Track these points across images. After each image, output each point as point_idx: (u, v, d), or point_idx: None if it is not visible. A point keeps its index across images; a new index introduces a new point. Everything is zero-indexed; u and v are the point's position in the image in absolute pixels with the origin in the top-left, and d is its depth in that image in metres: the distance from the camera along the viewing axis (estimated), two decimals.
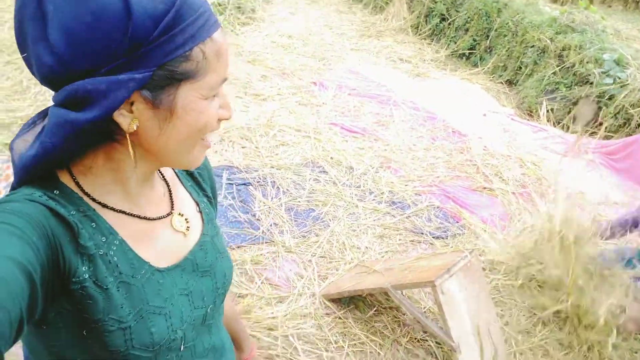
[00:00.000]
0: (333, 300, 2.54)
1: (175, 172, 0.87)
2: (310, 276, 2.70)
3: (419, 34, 7.45)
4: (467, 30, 6.75)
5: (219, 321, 0.91)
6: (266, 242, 2.88)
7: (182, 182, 0.87)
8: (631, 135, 4.34)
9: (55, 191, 0.65)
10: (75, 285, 0.63)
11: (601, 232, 2.83)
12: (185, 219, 0.82)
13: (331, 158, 3.82)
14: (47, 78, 0.61)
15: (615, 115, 4.52)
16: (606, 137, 4.58)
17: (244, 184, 3.33)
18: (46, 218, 0.60)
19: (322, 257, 2.86)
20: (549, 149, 4.59)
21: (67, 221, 0.63)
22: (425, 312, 2.50)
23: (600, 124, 4.66)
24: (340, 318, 2.48)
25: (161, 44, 0.60)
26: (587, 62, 4.94)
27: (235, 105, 4.39)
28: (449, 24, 7.03)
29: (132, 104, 0.63)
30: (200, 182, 0.91)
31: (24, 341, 0.73)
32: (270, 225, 3.02)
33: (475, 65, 6.51)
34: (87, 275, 0.64)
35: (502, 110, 5.29)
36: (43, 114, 0.67)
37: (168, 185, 0.83)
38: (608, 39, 5.25)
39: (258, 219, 3.05)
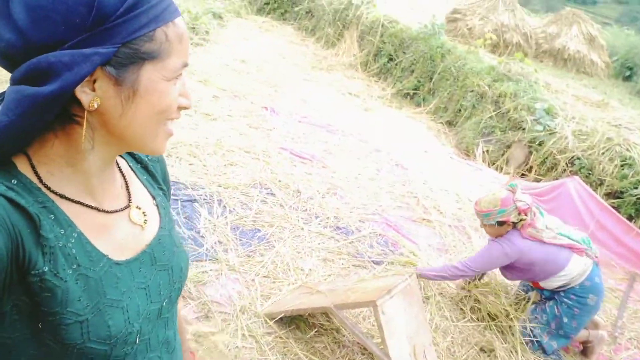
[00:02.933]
0: (275, 320, 2.54)
1: (129, 166, 0.86)
2: (253, 295, 2.70)
3: (368, 71, 7.77)
4: (412, 71, 7.12)
5: (174, 315, 0.90)
6: (210, 260, 2.85)
7: (137, 176, 0.87)
8: (557, 179, 4.70)
9: (13, 181, 0.63)
10: (34, 278, 0.62)
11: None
12: (143, 212, 0.82)
13: (279, 181, 3.87)
14: (6, 55, 0.60)
15: (544, 160, 4.89)
16: (535, 180, 4.93)
17: (189, 201, 3.30)
18: (5, 210, 0.59)
19: (266, 276, 2.86)
20: (484, 187, 4.87)
21: (28, 212, 0.61)
22: (364, 333, 2.55)
23: (531, 167, 5.03)
24: (281, 338, 2.48)
25: (126, 22, 0.61)
26: (521, 110, 5.34)
27: (185, 123, 4.37)
28: (396, 64, 7.39)
29: (94, 82, 0.62)
30: (155, 174, 0.91)
31: None
32: (215, 243, 2.99)
33: (419, 105, 6.85)
34: (46, 268, 0.63)
35: (442, 149, 5.58)
36: (1, 97, 0.65)
37: (124, 178, 0.83)
38: (540, 90, 5.72)
39: (202, 236, 3.02)
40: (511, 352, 2.87)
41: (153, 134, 0.70)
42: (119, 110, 0.65)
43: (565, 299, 2.90)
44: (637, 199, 4.16)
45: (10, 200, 0.60)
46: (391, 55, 7.50)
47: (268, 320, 2.53)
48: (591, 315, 2.96)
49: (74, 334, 0.66)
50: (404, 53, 7.32)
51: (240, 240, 3.10)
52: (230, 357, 2.29)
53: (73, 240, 0.67)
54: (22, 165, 0.66)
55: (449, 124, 6.36)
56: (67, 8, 0.58)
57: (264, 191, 3.68)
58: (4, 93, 0.63)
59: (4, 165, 0.65)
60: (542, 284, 2.96)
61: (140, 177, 0.87)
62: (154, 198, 0.87)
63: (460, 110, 6.19)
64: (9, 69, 0.61)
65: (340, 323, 2.30)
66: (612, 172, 4.37)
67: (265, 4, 9.98)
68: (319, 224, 3.51)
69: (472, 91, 6.04)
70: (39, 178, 0.66)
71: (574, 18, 9.86)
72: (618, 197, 4.32)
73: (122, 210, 0.78)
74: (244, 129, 4.61)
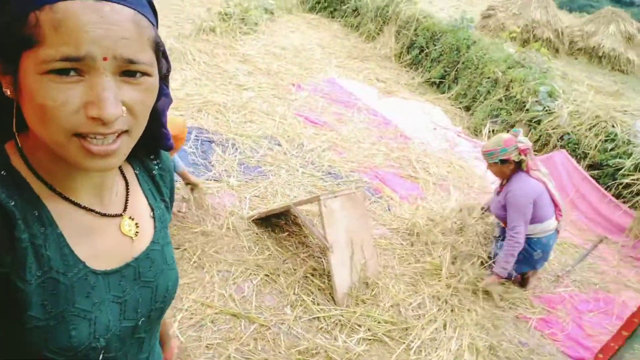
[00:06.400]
0: (254, 221, 3.25)
1: (135, 173, 0.83)
2: (243, 206, 3.43)
3: (401, 62, 8.33)
4: (439, 62, 7.62)
5: (154, 337, 0.87)
6: (214, 180, 3.62)
7: (140, 184, 0.83)
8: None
9: (2, 172, 0.63)
10: None
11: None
12: (136, 224, 0.79)
13: (288, 136, 4.59)
14: None
15: (539, 137, 5.28)
16: None
17: (208, 141, 4.10)
18: None
19: (256, 196, 3.59)
20: (481, 160, 5.33)
21: (5, 209, 0.60)
22: (315, 225, 3.18)
23: None
24: (257, 234, 3.19)
25: (1, 6, 0.59)
26: (527, 93, 5.74)
27: (218, 89, 5.21)
28: (426, 54, 7.91)
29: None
30: (160, 185, 0.88)
31: None
32: (222, 171, 3.76)
33: (443, 92, 7.34)
34: (12, 268, 0.61)
35: (452, 128, 6.07)
36: None
37: (127, 185, 0.80)
38: (550, 76, 6.06)
39: (213, 165, 3.79)
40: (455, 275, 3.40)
41: (59, 142, 0.61)
42: (23, 107, 0.62)
43: None
44: (615, 169, 4.49)
45: None
46: (422, 47, 8.03)
47: (250, 222, 3.25)
48: (529, 268, 3.35)
49: (33, 338, 0.64)
50: (434, 45, 7.83)
51: (243, 172, 3.85)
52: (215, 238, 3.03)
53: (51, 241, 0.65)
54: (14, 155, 0.66)
55: (467, 108, 6.82)
56: None
57: (272, 142, 4.42)
58: None
59: None
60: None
61: (144, 186, 0.84)
62: (152, 210, 0.84)
63: (476, 95, 6.64)
64: None
65: (295, 214, 2.97)
66: (596, 146, 4.72)
67: (316, 2, 10.77)
68: (314, 168, 4.19)
69: (489, 78, 6.47)
70: (30, 167, 0.66)
71: (612, 17, 9.89)
72: (598, 169, 4.66)
73: (113, 216, 0.75)
74: (268, 98, 5.38)
